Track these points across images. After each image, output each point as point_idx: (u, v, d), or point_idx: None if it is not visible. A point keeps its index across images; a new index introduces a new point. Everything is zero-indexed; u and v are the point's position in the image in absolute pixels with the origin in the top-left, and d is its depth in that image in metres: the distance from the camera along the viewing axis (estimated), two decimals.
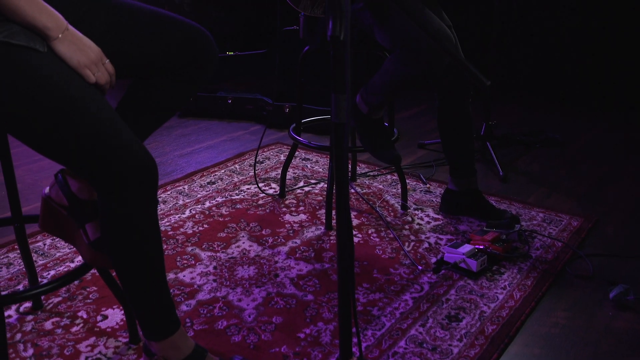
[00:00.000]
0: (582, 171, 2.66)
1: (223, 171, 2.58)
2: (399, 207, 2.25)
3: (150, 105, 1.25)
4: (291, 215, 2.17)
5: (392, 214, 2.19)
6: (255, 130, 3.23)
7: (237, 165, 2.65)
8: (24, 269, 1.76)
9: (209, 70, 1.25)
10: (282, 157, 2.76)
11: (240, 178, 2.51)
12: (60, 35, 1.02)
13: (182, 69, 1.22)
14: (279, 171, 2.58)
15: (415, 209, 2.23)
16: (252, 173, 2.56)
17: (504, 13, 2.57)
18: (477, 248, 1.84)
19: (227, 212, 2.18)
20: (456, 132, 2.07)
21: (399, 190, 2.34)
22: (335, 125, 0.98)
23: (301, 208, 2.22)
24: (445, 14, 2.02)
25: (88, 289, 1.67)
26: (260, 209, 2.21)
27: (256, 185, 2.39)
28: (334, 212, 2.08)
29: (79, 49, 1.03)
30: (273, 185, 2.44)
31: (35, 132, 1.00)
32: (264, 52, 3.59)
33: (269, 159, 2.74)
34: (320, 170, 2.62)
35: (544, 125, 3.31)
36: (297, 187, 2.42)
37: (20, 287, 1.70)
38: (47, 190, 1.26)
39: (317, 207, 2.23)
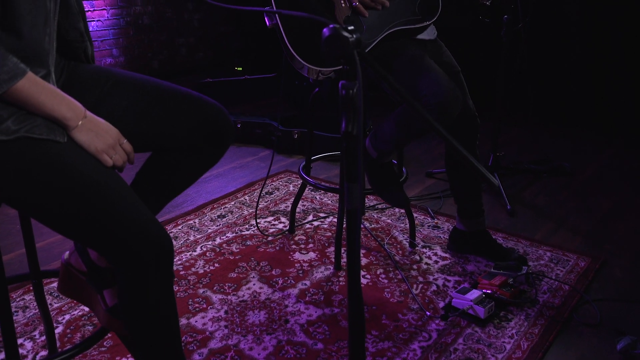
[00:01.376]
0: (590, 204, 2.67)
1: (233, 203, 2.61)
2: (407, 244, 2.27)
3: (167, 179, 1.28)
4: (301, 253, 2.20)
5: (400, 252, 2.22)
6: (264, 156, 3.26)
7: (246, 197, 2.68)
8: (39, 313, 1.80)
9: (225, 147, 1.29)
10: (292, 187, 2.79)
11: (250, 211, 2.54)
12: (79, 124, 1.06)
13: (199, 147, 1.26)
14: (288, 203, 2.62)
15: (423, 246, 2.25)
16: (261, 205, 2.59)
17: (513, 44, 2.58)
18: (484, 293, 1.86)
19: (238, 250, 2.21)
20: (464, 175, 2.09)
21: (407, 225, 2.36)
22: (349, 212, 1.01)
23: (310, 245, 2.25)
24: (452, 58, 2.05)
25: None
26: (270, 246, 2.24)
27: (256, 227, 2.43)
28: (342, 252, 2.11)
29: (96, 135, 1.07)
30: (282, 219, 2.47)
31: (57, 216, 1.04)
32: (273, 76, 3.62)
33: (278, 189, 2.77)
34: (329, 202, 2.64)
35: (552, 149, 3.33)
36: (306, 221, 2.45)
37: (36, 333, 1.74)
38: (66, 255, 1.29)
39: (327, 244, 2.26)
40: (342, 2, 1.81)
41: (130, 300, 1.12)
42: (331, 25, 0.89)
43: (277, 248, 2.23)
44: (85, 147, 1.07)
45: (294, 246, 2.25)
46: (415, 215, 2.49)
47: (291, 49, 1.75)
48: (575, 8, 3.70)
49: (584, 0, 3.68)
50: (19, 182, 1.01)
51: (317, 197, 2.69)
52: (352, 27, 0.91)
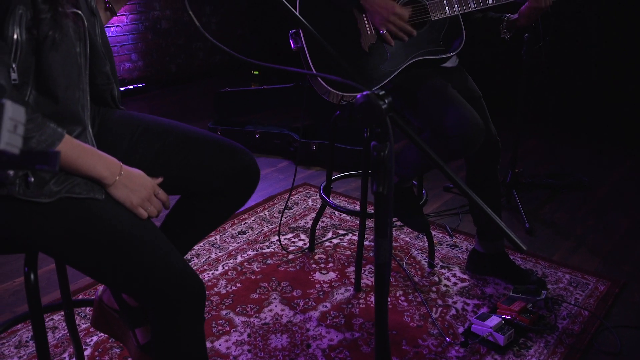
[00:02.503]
0: (609, 221, 2.67)
1: (253, 219, 2.64)
2: (426, 264, 2.29)
3: (195, 222, 1.32)
4: (321, 273, 2.23)
5: (419, 272, 2.24)
6: (283, 168, 3.29)
7: (266, 212, 2.72)
8: (68, 334, 1.85)
9: (252, 191, 1.32)
10: (310, 202, 2.82)
11: (270, 227, 2.57)
12: (115, 182, 1.09)
13: (227, 191, 1.29)
14: (308, 219, 2.65)
15: (442, 267, 2.27)
16: (282, 221, 2.62)
17: (533, 61, 2.57)
18: (504, 319, 1.88)
19: (259, 269, 2.24)
20: (484, 197, 2.10)
21: (426, 244, 2.38)
22: (378, 266, 1.03)
23: (330, 265, 2.28)
24: (474, 83, 2.05)
25: None
26: (290, 265, 2.28)
27: (276, 244, 2.46)
28: (362, 273, 2.14)
29: (132, 191, 1.11)
30: (302, 236, 2.50)
31: (94, 268, 1.08)
32: (291, 86, 3.64)
33: (297, 204, 2.80)
34: (348, 219, 2.67)
35: (570, 160, 3.32)
36: (325, 239, 2.48)
37: (66, 355, 1.79)
38: (99, 292, 1.33)
39: (346, 264, 2.29)
40: (368, 29, 1.83)
41: (162, 343, 1.16)
42: (365, 92, 0.91)
43: (298, 267, 2.26)
44: (122, 202, 1.11)
45: (314, 265, 2.28)
46: (433, 233, 2.51)
47: (315, 73, 1.78)
48: (595, 23, 3.67)
49: (603, 14, 3.65)
50: (59, 238, 1.05)
51: (336, 213, 2.72)
52: (383, 92, 0.93)
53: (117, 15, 1.30)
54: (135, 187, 1.13)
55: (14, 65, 1.00)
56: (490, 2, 1.89)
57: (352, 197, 2.87)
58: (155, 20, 5.01)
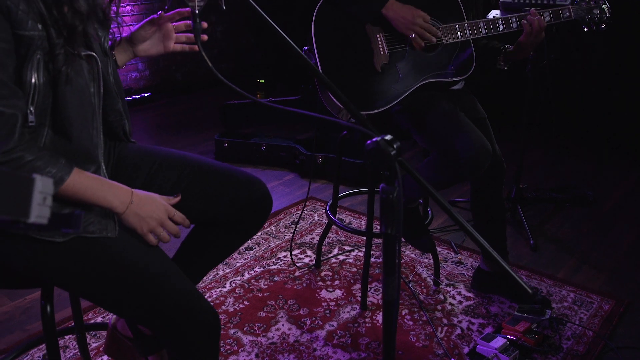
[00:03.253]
0: (613, 237, 2.68)
1: (260, 234, 2.67)
2: (432, 282, 2.31)
3: (209, 251, 1.35)
4: (327, 290, 2.25)
5: (424, 290, 2.26)
6: (288, 181, 3.31)
7: (272, 227, 2.74)
8: (79, 354, 1.88)
9: (264, 221, 1.35)
10: (317, 217, 2.85)
11: (277, 243, 2.60)
12: (126, 209, 1.11)
13: (241, 221, 1.32)
14: (314, 235, 2.67)
15: (447, 284, 2.29)
16: (287, 237, 2.65)
17: (538, 76, 2.59)
18: (508, 339, 1.90)
19: (266, 286, 2.27)
20: (489, 217, 2.12)
21: (431, 260, 2.40)
22: (386, 302, 1.06)
23: (336, 282, 2.31)
24: (479, 104, 2.08)
25: None
26: (297, 282, 2.30)
27: (292, 261, 2.49)
28: (368, 291, 2.17)
29: (143, 219, 1.14)
30: (309, 252, 2.53)
31: (109, 302, 1.11)
32: (296, 99, 3.67)
33: (303, 219, 2.83)
34: (354, 234, 2.69)
35: (575, 173, 3.33)
36: (331, 255, 2.51)
37: None
38: (113, 320, 1.36)
39: (352, 281, 2.31)
40: (381, 49, 1.86)
41: None
42: (374, 139, 0.94)
43: (304, 285, 2.29)
44: (133, 229, 1.13)
45: (320, 283, 2.30)
46: (438, 249, 2.53)
47: (329, 93, 1.81)
48: (600, 38, 3.69)
49: (609, 28, 3.66)
50: (74, 276, 1.08)
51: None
52: (390, 137, 0.95)
53: (125, 25, 1.32)
54: (147, 213, 1.15)
55: (31, 108, 1.03)
56: (500, 29, 1.92)
57: (358, 212, 2.89)
58: None
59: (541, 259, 2.51)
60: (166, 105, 4.86)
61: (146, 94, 4.91)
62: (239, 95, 1.10)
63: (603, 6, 2.02)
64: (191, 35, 1.35)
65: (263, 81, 5.54)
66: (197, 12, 1.06)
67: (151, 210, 1.16)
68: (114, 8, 1.24)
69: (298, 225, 2.75)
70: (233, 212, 1.30)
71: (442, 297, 2.22)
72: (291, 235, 2.66)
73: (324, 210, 2.91)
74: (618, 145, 3.72)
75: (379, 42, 1.87)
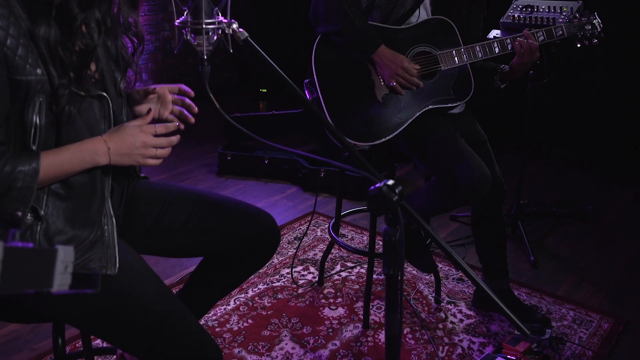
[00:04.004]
0: (613, 253, 2.71)
1: None
2: (433, 299, 2.34)
3: (217, 283, 1.38)
4: (330, 308, 2.28)
5: (426, 308, 2.29)
6: (291, 194, 3.34)
7: None
8: None
9: (272, 254, 1.38)
10: (319, 232, 2.88)
11: (280, 259, 2.63)
12: (110, 158, 1.13)
13: (249, 255, 1.35)
14: (317, 250, 2.70)
15: (448, 302, 2.33)
16: (290, 252, 2.68)
17: (538, 94, 2.62)
18: (508, 359, 1.93)
19: (270, 304, 2.30)
20: (489, 237, 2.15)
21: (432, 278, 2.43)
22: (388, 338, 1.09)
23: (339, 300, 2.34)
24: (479, 127, 2.11)
25: None
26: (300, 300, 2.34)
27: (286, 277, 2.52)
28: (370, 308, 2.20)
29: (130, 155, 1.15)
30: (312, 269, 2.56)
31: (117, 339, 1.14)
32: (300, 112, 3.70)
33: (306, 234, 2.86)
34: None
35: (575, 186, 3.36)
36: (334, 272, 2.54)
37: None
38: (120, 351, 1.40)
39: (355, 299, 2.34)
40: (382, 81, 1.90)
41: None
42: (377, 185, 0.97)
43: (307, 302, 2.32)
44: (129, 166, 1.15)
45: (323, 300, 2.33)
46: (440, 265, 2.57)
47: (331, 122, 1.84)
48: (601, 53, 3.72)
49: (608, 43, 3.69)
50: (79, 314, 1.12)
51: (344, 242, 2.77)
52: (392, 182, 0.99)
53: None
54: (129, 147, 1.14)
55: (33, 147, 1.07)
56: (496, 51, 1.95)
57: (360, 227, 2.92)
58: (165, 40, 5.09)
59: (541, 275, 2.54)
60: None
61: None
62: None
63: (594, 21, 2.05)
64: (185, 112, 1.37)
65: (265, 90, 5.58)
66: (205, 57, 1.09)
67: (131, 142, 1.15)
68: (130, 50, 1.27)
69: (301, 242, 2.78)
70: (242, 246, 1.33)
71: (443, 315, 2.25)
72: (294, 251, 2.69)
73: (326, 226, 2.94)
74: (617, 158, 3.75)
75: (379, 74, 1.90)
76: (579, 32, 2.02)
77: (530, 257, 2.62)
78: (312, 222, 2.99)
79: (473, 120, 2.10)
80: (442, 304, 2.32)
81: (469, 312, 2.26)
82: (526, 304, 2.29)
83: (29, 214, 1.07)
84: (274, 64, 1.09)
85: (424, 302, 2.33)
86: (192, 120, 1.37)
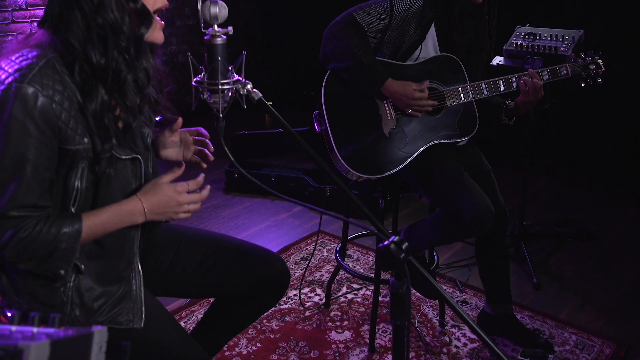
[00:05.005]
0: (615, 275, 2.75)
1: None
2: (437, 322, 2.39)
3: (229, 323, 1.44)
4: (336, 332, 2.33)
5: (430, 331, 2.34)
6: (298, 213, 3.39)
7: None
8: None
9: (282, 296, 1.44)
10: (325, 253, 2.93)
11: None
12: (146, 217, 1.19)
13: (260, 296, 1.40)
14: (323, 271, 2.75)
15: (452, 325, 2.37)
16: (297, 274, 2.73)
17: (541, 118, 2.67)
18: None
19: (278, 327, 2.35)
20: (493, 264, 2.20)
21: (437, 301, 2.48)
22: None
23: (345, 323, 2.39)
24: (483, 157, 2.16)
25: None
26: (307, 323, 2.39)
27: (300, 302, 2.57)
28: (376, 332, 2.25)
29: (164, 213, 1.21)
30: (318, 290, 2.61)
31: None
32: (306, 130, 3.75)
33: (312, 255, 2.91)
34: (362, 270, 2.77)
35: (578, 203, 3.40)
36: (340, 294, 2.59)
37: None
38: None
39: (361, 322, 2.39)
40: (389, 116, 1.96)
41: None
42: (385, 243, 1.02)
43: (315, 325, 2.37)
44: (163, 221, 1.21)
45: (330, 324, 2.38)
46: (444, 287, 2.61)
47: (338, 154, 1.90)
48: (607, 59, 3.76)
49: (609, 59, 3.73)
50: None
51: (350, 264, 2.82)
52: (399, 239, 1.04)
53: None
54: (164, 206, 1.20)
55: (72, 209, 1.12)
56: (501, 89, 2.00)
57: (365, 247, 2.97)
58: (172, 54, 5.16)
59: (544, 298, 2.58)
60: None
61: (157, 118, 5.00)
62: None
63: (598, 61, 2.10)
64: (206, 151, 1.44)
65: (271, 103, 5.64)
66: (220, 115, 1.15)
67: (166, 202, 1.20)
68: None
69: (307, 261, 2.84)
70: (253, 289, 1.38)
71: (447, 339, 2.29)
72: (301, 272, 2.74)
73: (333, 245, 2.99)
74: (619, 176, 3.78)
75: (386, 109, 1.96)
76: (583, 71, 2.07)
77: (533, 279, 2.66)
78: (319, 241, 3.04)
79: (477, 151, 2.15)
80: (446, 327, 2.36)
81: (472, 336, 2.31)
82: (529, 327, 2.33)
83: (72, 271, 1.13)
84: (285, 122, 1.14)
85: (429, 325, 2.38)
86: (212, 158, 1.44)
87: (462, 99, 1.96)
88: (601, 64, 2.09)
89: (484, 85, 1.97)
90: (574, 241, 3.06)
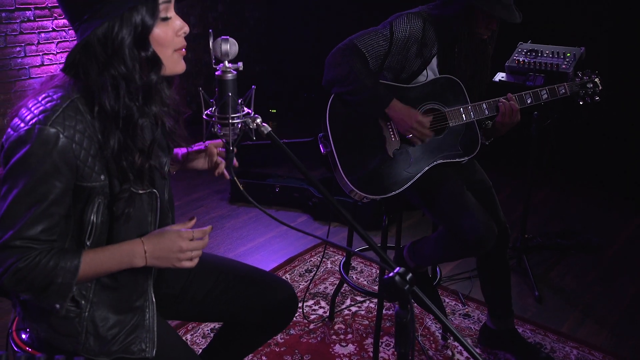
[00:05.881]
0: (616, 288, 2.78)
1: None
2: (440, 336, 2.42)
3: (236, 348, 1.48)
4: (340, 345, 2.37)
5: (433, 345, 2.37)
6: (301, 223, 3.43)
7: (287, 275, 2.86)
8: None
9: (289, 321, 1.47)
10: (329, 265, 2.97)
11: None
12: (147, 261, 1.20)
13: (268, 322, 1.44)
14: (327, 284, 2.79)
15: (454, 339, 2.40)
16: (302, 285, 2.77)
17: (542, 135, 2.70)
18: None
19: (282, 340, 2.39)
20: (494, 279, 2.23)
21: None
22: None
23: (349, 336, 2.42)
24: (484, 174, 2.19)
25: None
26: (312, 336, 2.42)
27: (303, 315, 2.60)
28: (380, 345, 2.28)
29: (165, 258, 1.21)
30: (322, 303, 2.64)
31: None
32: (310, 140, 3.79)
33: (316, 266, 2.95)
34: (365, 282, 2.81)
35: (580, 214, 3.42)
36: (344, 306, 2.62)
37: None
38: None
39: (364, 335, 2.43)
40: (392, 137, 2.00)
41: None
42: (390, 274, 1.06)
43: (319, 338, 2.40)
44: (166, 269, 1.23)
45: (334, 337, 2.42)
46: (447, 300, 2.64)
47: (343, 175, 1.94)
48: (608, 73, 3.79)
49: (613, 75, 3.77)
50: None
51: (354, 276, 2.86)
52: (404, 270, 1.07)
53: None
54: (165, 252, 1.20)
55: (88, 243, 1.16)
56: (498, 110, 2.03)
57: (368, 259, 3.00)
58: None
59: (546, 311, 2.61)
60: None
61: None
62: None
63: (596, 79, 2.13)
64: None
65: (275, 111, 5.68)
66: (231, 148, 1.19)
67: (168, 247, 1.21)
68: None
69: (311, 274, 2.87)
70: (261, 315, 1.42)
71: (450, 353, 2.33)
72: (305, 284, 2.77)
73: (337, 257, 3.03)
74: (621, 187, 3.81)
75: (390, 130, 1.99)
76: (580, 90, 2.10)
77: (534, 292, 2.70)
78: (322, 253, 3.07)
79: (478, 167, 2.19)
80: (448, 340, 2.39)
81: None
82: (530, 342, 2.36)
83: (70, 305, 1.16)
84: (294, 157, 1.18)
85: (431, 338, 2.41)
86: (236, 164, 1.43)
87: (464, 119, 2.00)
88: (598, 82, 2.13)
89: (485, 105, 2.00)
90: (576, 253, 3.09)
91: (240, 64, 1.21)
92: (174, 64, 1.21)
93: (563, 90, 2.09)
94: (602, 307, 2.64)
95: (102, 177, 1.14)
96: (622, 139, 3.85)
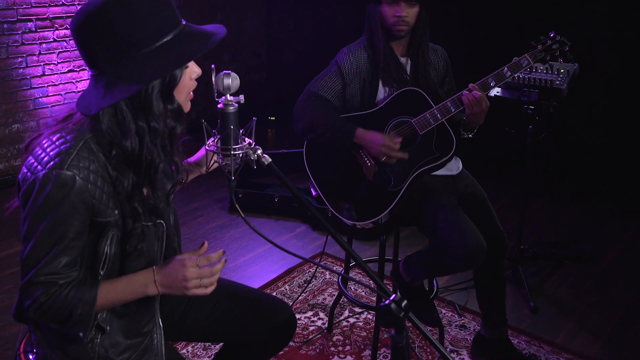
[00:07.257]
0: (611, 298, 2.83)
1: (274, 294, 2.83)
2: None
3: None
4: (339, 357, 2.41)
5: (430, 356, 2.42)
6: (300, 233, 3.47)
7: (286, 286, 2.91)
8: None
9: (288, 342, 1.52)
10: (328, 275, 3.01)
11: (290, 304, 2.76)
12: (158, 289, 1.24)
13: (267, 343, 1.49)
14: (326, 295, 2.83)
15: (451, 350, 2.45)
16: (301, 297, 2.81)
17: (538, 147, 2.75)
18: None
19: (282, 352, 2.43)
20: (490, 289, 2.27)
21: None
22: None
23: (347, 348, 2.46)
24: (478, 186, 2.23)
25: None
26: (311, 347, 2.46)
27: (306, 316, 2.65)
28: (377, 357, 2.32)
29: (174, 287, 1.24)
30: (321, 314, 2.69)
31: None
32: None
33: (315, 277, 2.99)
34: (363, 294, 2.85)
35: (575, 223, 3.46)
36: (342, 317, 2.66)
37: None
38: None
39: (362, 346, 2.47)
40: (368, 162, 2.09)
41: None
42: (386, 302, 1.10)
43: (317, 350, 2.45)
44: (174, 295, 1.26)
45: (332, 348, 2.46)
46: (443, 311, 2.69)
47: (337, 214, 2.14)
48: (601, 86, 3.84)
49: (608, 80, 3.82)
50: None
51: (352, 287, 2.90)
52: (399, 297, 1.12)
53: None
54: (174, 280, 1.22)
55: (101, 272, 1.21)
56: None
57: (366, 286, 3.04)
58: None
59: (540, 322, 2.66)
60: (182, 144, 5.04)
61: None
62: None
63: (560, 38, 2.05)
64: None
65: (274, 118, 5.71)
66: (232, 178, 1.23)
67: (174, 276, 1.23)
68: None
69: (310, 285, 2.91)
70: (261, 336, 1.47)
71: None
72: (305, 295, 2.81)
73: (335, 268, 3.07)
74: (616, 196, 3.86)
75: (364, 156, 2.08)
76: (546, 55, 2.04)
77: (530, 303, 2.74)
78: (322, 263, 3.11)
79: (472, 180, 2.23)
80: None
81: None
82: (525, 353, 2.41)
83: (94, 331, 1.22)
84: (294, 187, 1.22)
85: (428, 350, 2.46)
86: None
87: (432, 123, 2.03)
88: (564, 40, 2.04)
89: (449, 103, 2.02)
90: (571, 263, 3.13)
91: (242, 97, 1.26)
92: (184, 106, 1.26)
93: (526, 62, 2.04)
94: (597, 318, 2.68)
95: (116, 212, 1.19)
96: (617, 150, 3.90)
